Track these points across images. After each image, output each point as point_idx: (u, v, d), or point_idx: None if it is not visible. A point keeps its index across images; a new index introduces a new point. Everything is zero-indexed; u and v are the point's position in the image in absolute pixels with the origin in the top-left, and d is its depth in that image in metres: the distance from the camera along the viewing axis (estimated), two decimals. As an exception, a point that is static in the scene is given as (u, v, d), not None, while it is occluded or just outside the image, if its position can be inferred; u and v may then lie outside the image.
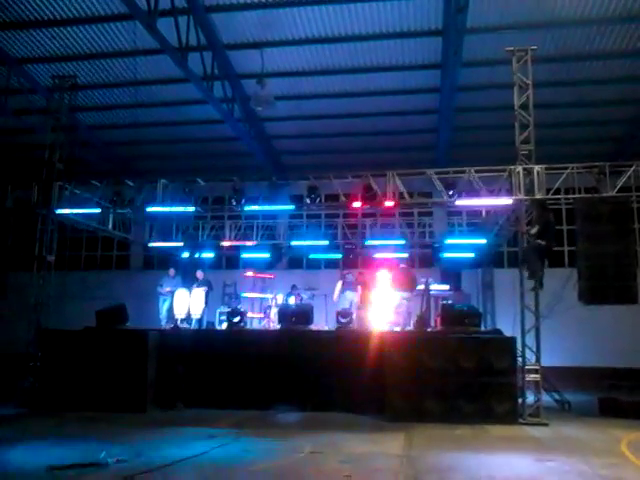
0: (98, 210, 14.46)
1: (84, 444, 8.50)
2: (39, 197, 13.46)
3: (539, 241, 11.10)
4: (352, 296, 14.93)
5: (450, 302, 14.19)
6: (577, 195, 12.32)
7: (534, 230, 11.33)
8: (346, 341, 12.02)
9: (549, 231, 11.29)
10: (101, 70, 15.16)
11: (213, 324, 15.12)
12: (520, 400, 10.73)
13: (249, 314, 15.10)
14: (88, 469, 7.01)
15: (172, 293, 14.92)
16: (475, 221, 17.59)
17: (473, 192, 12.69)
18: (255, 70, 14.23)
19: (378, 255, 16.89)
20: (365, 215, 17.09)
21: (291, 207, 14.50)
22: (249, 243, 17.03)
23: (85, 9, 12.93)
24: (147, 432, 9.59)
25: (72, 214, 14.05)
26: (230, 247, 17.52)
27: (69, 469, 6.97)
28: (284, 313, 13.26)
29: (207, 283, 15.39)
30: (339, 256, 17.87)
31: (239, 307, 14.67)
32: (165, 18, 11.91)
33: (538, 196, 11.51)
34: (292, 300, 15.34)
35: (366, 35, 13.57)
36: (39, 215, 13.64)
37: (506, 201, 12.18)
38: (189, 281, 15.29)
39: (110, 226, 15.58)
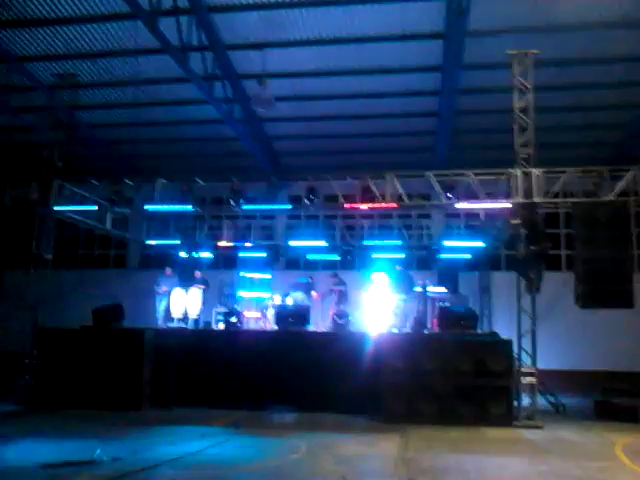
0: (96, 208, 14.45)
1: (80, 442, 8.54)
2: (38, 195, 13.44)
3: (531, 247, 11.12)
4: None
5: (447, 304, 14.22)
6: (575, 199, 12.34)
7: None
8: (342, 342, 12.05)
9: (538, 234, 11.30)
10: (102, 69, 15.11)
11: (210, 324, 15.13)
12: (515, 403, 10.75)
13: (246, 314, 15.11)
14: (83, 467, 7.03)
15: (169, 292, 14.94)
16: (473, 224, 17.62)
17: (472, 195, 12.71)
18: (256, 71, 14.19)
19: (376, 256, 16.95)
20: (363, 216, 17.13)
21: (288, 207, 14.50)
22: (246, 245, 17.05)
23: (87, 7, 12.88)
24: (143, 430, 9.63)
25: (70, 212, 14.05)
26: (228, 247, 17.51)
27: (64, 467, 6.99)
28: (281, 314, 13.27)
29: (204, 282, 15.41)
30: (337, 257, 17.88)
31: (236, 307, 14.68)
32: (167, 18, 11.91)
33: (536, 200, 11.53)
34: (289, 300, 15.34)
35: (367, 37, 13.55)
36: (36, 213, 13.61)
37: (505, 204, 12.19)
38: (186, 280, 15.31)
39: (108, 224, 15.54)
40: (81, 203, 14.17)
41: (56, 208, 13.51)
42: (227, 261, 19.41)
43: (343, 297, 15.48)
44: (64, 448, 8.02)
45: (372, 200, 12.83)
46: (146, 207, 14.18)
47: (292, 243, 16.61)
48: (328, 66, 14.74)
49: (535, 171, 11.53)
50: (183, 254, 16.84)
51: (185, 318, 14.55)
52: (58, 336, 12.37)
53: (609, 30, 12.82)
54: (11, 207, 13.78)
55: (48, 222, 13.50)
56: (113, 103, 16.68)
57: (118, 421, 10.26)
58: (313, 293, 15.78)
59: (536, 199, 11.51)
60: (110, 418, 10.49)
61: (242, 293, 16.54)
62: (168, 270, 16.01)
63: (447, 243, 16.13)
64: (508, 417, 10.55)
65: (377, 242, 16.90)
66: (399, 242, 16.92)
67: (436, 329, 12.85)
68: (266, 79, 13.85)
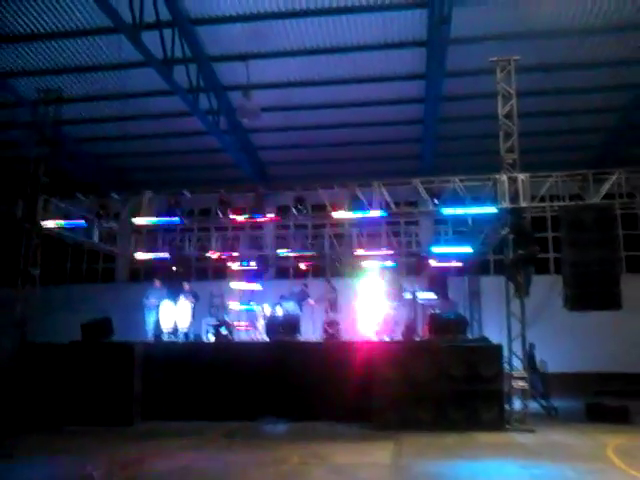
0: (84, 223, 14.36)
1: (70, 459, 8.45)
2: (24, 211, 13.34)
3: (520, 251, 11.19)
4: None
5: (437, 310, 14.24)
6: (562, 203, 12.45)
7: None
8: (333, 351, 12.03)
9: (526, 238, 11.37)
10: (87, 83, 15.09)
11: (200, 336, 15.04)
12: (507, 407, 10.77)
13: (236, 325, 15.04)
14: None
15: (158, 305, 14.80)
16: (461, 229, 17.70)
17: (459, 201, 12.77)
18: (241, 82, 14.24)
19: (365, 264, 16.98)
20: (352, 225, 17.16)
21: (276, 219, 14.48)
22: (235, 254, 17.02)
23: (70, 23, 12.89)
24: (134, 445, 9.53)
25: (57, 227, 13.95)
26: (217, 258, 17.47)
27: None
28: (271, 324, 13.24)
29: (193, 295, 15.33)
30: (326, 265, 17.90)
31: (226, 318, 14.62)
32: (150, 31, 11.92)
33: (523, 204, 11.60)
34: (279, 311, 15.30)
35: (351, 46, 13.65)
36: (23, 229, 13.50)
37: (491, 210, 12.25)
38: (175, 292, 15.22)
39: (96, 239, 15.44)
40: (68, 218, 14.06)
41: (43, 224, 13.40)
42: (217, 272, 19.35)
43: (333, 305, 15.47)
44: (54, 466, 7.94)
45: (360, 208, 12.87)
46: (133, 220, 14.13)
47: (281, 254, 16.61)
48: (313, 76, 14.82)
49: (521, 176, 11.61)
50: (172, 266, 16.76)
51: (175, 331, 14.44)
52: (47, 351, 12.21)
53: (589, 36, 13.00)
54: (-2, 223, 13.68)
55: (34, 238, 13.38)
56: (99, 117, 16.66)
57: (109, 436, 10.16)
58: (310, 301, 15.74)
59: (523, 204, 11.59)
60: (102, 434, 10.38)
61: (232, 304, 16.50)
62: (157, 282, 15.92)
63: (436, 249, 16.18)
64: (500, 421, 10.55)
65: (366, 250, 16.92)
66: (388, 250, 16.95)
67: (427, 335, 12.85)
68: (251, 90, 13.87)
